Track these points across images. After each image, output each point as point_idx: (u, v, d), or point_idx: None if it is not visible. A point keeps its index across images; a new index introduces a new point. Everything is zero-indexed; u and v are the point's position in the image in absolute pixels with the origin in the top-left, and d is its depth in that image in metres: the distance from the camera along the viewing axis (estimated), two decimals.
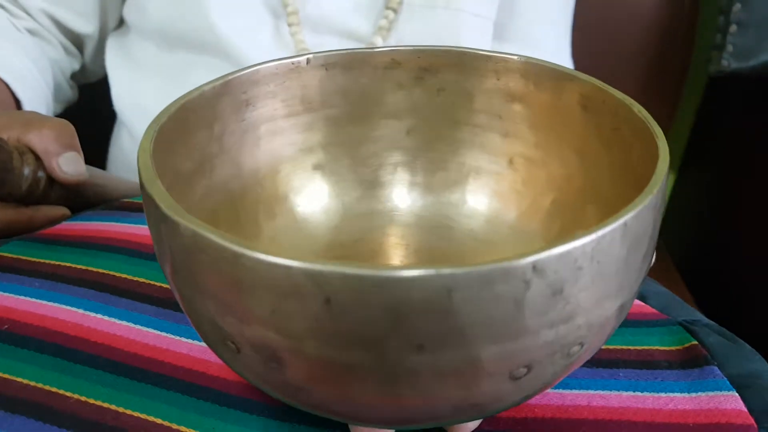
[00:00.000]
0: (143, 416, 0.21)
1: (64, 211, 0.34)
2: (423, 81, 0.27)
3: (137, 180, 0.39)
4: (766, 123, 0.73)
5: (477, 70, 0.27)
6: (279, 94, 0.26)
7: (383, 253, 0.28)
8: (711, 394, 0.23)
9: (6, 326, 0.24)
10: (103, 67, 0.54)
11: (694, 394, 0.23)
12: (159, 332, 0.25)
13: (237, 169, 0.26)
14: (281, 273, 0.14)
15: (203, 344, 0.24)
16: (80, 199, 0.36)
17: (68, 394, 0.22)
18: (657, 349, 0.25)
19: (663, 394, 0.23)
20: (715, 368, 0.24)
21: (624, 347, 0.25)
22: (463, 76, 0.27)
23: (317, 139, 0.28)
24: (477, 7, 0.47)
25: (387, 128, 0.29)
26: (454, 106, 0.28)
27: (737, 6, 0.63)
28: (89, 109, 0.56)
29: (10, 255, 0.29)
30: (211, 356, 0.24)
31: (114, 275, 0.28)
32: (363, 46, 0.45)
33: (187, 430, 0.21)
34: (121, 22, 0.54)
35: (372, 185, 0.29)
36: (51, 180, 0.34)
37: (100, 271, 0.28)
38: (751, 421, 0.22)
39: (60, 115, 0.43)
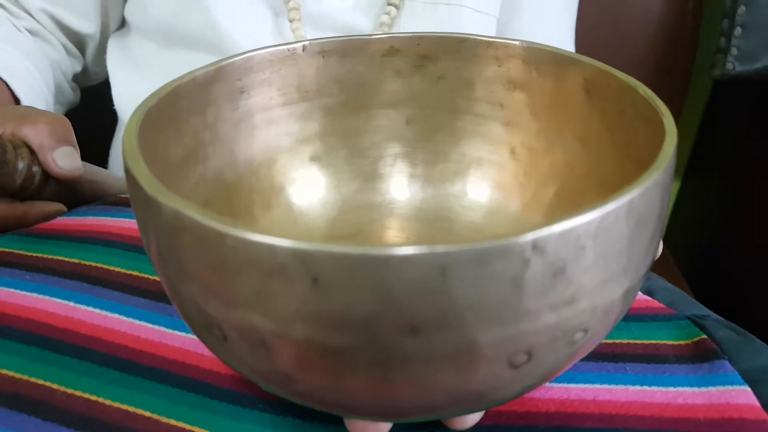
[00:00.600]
0: (132, 409, 0.20)
1: (59, 206, 0.34)
2: (422, 69, 0.27)
3: None
4: None
5: (478, 57, 0.26)
6: (274, 82, 0.26)
7: None
8: (722, 388, 0.22)
9: None
10: (104, 70, 0.54)
11: (704, 389, 0.22)
12: (151, 325, 0.24)
13: (231, 159, 0.25)
14: (266, 253, 0.14)
15: (196, 337, 0.24)
16: (76, 195, 0.35)
17: (55, 386, 0.21)
18: (665, 344, 0.24)
19: (672, 389, 0.22)
20: (726, 362, 0.23)
21: (630, 341, 0.24)
22: (463, 64, 0.26)
23: (314, 129, 0.27)
24: (479, 3, 0.46)
25: (385, 118, 0.28)
26: (454, 94, 0.27)
27: (742, 9, 0.63)
28: (90, 110, 0.56)
29: (2, 249, 0.29)
30: (204, 350, 0.23)
31: (106, 268, 0.27)
32: None
33: (177, 423, 0.20)
34: (122, 23, 0.53)
35: (370, 177, 0.28)
36: (46, 175, 0.33)
37: (92, 264, 0.27)
38: (765, 416, 0.21)
39: None
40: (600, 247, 0.14)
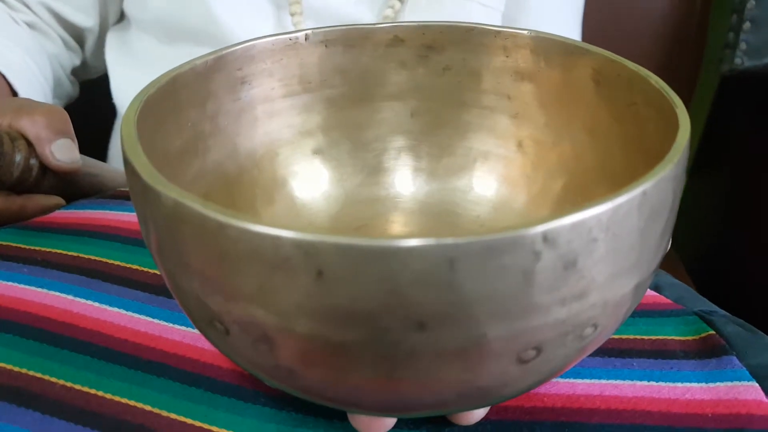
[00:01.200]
0: (132, 402, 0.20)
1: (57, 200, 0.33)
2: (427, 59, 0.26)
3: None
4: None
5: (485, 47, 0.25)
6: (276, 72, 0.25)
7: None
8: (730, 384, 0.21)
9: None
10: (103, 64, 0.53)
11: (711, 384, 0.21)
12: (151, 319, 0.24)
13: (232, 151, 0.25)
14: (269, 244, 0.13)
15: (197, 331, 0.23)
16: (74, 189, 0.35)
17: (54, 380, 0.21)
18: (672, 339, 0.24)
19: (679, 384, 0.21)
20: (734, 358, 0.22)
21: (637, 337, 0.24)
22: (470, 54, 0.26)
23: (316, 122, 0.27)
24: None
25: (390, 110, 0.27)
26: (460, 86, 0.26)
27: (751, 3, 0.62)
28: (89, 104, 0.55)
29: (0, 242, 0.28)
30: (205, 343, 0.23)
31: (105, 262, 0.27)
32: None
33: (178, 417, 0.19)
34: (121, 17, 0.53)
35: (374, 171, 0.28)
36: (44, 168, 0.33)
37: (92, 257, 0.27)
38: None
39: None
40: (612, 240, 0.14)
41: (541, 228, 0.13)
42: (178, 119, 0.22)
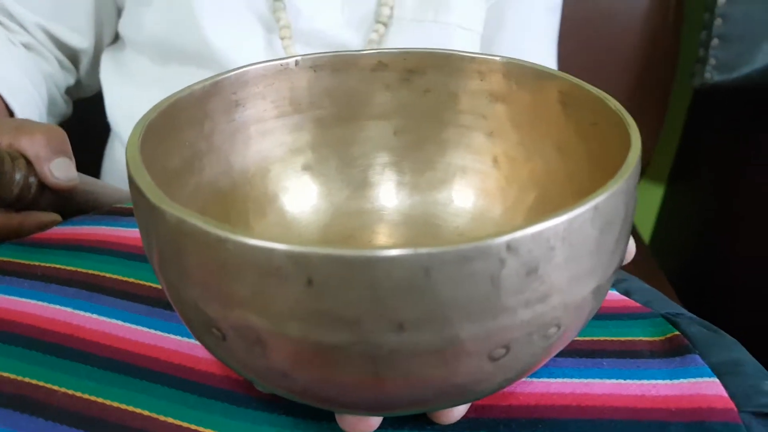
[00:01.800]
0: (130, 408, 0.21)
1: (54, 217, 0.35)
2: (409, 82, 0.28)
3: (128, 189, 0.40)
4: (751, 133, 0.74)
5: (462, 72, 0.27)
6: (268, 95, 0.27)
7: None
8: (692, 380, 0.23)
9: None
10: (97, 82, 0.55)
11: (675, 381, 0.23)
12: (148, 329, 0.25)
13: (227, 168, 0.26)
14: (264, 255, 0.15)
15: (192, 341, 0.25)
16: (71, 206, 0.36)
17: (55, 387, 0.22)
18: (640, 340, 0.26)
19: (645, 381, 0.23)
20: (697, 357, 0.24)
21: (608, 338, 0.26)
22: (448, 78, 0.28)
23: (306, 140, 0.29)
24: (465, 20, 0.48)
25: (374, 129, 0.29)
26: (440, 106, 0.28)
27: (718, 21, 0.65)
28: (82, 122, 0.56)
29: (0, 258, 0.30)
30: (200, 352, 0.24)
31: (104, 276, 0.28)
32: None
33: (174, 421, 0.21)
34: (116, 38, 0.54)
35: (361, 185, 0.30)
36: (42, 186, 0.34)
37: (91, 272, 0.28)
38: (732, 405, 0.22)
39: None
40: (569, 249, 0.16)
41: (505, 238, 0.15)
42: (177, 139, 0.23)
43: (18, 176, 0.33)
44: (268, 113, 0.27)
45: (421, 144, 0.29)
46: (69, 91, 0.55)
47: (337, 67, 0.28)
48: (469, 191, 0.29)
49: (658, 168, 0.90)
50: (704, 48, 0.65)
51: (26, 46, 0.50)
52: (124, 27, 0.51)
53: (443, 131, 0.29)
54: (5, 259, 0.30)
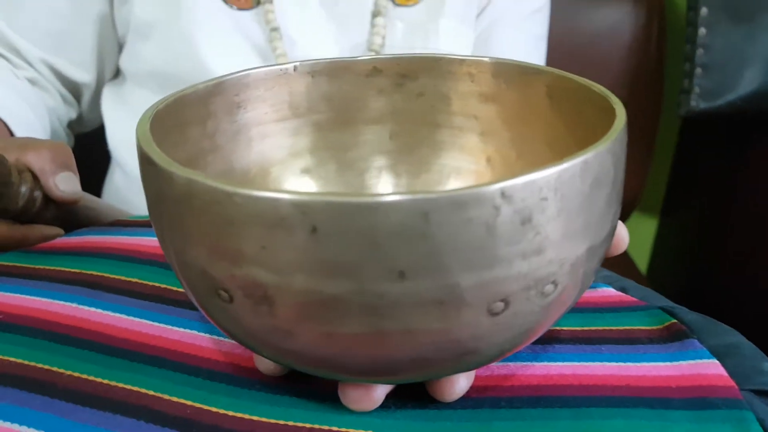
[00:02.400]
0: (136, 389, 0.21)
1: (57, 230, 0.35)
2: (403, 87, 0.29)
3: (130, 212, 0.41)
4: (739, 159, 0.76)
5: (452, 74, 0.29)
6: (268, 99, 0.28)
7: None
8: (692, 362, 0.23)
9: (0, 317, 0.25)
10: (98, 117, 0.56)
11: (675, 363, 0.23)
12: (151, 322, 0.25)
13: (229, 168, 0.27)
14: (270, 206, 0.16)
15: (196, 332, 0.25)
16: (74, 221, 0.37)
17: (60, 370, 0.22)
18: (638, 329, 0.26)
19: (645, 363, 0.23)
20: (695, 341, 0.25)
21: (605, 327, 0.26)
22: (440, 80, 0.29)
23: (305, 144, 0.30)
24: (453, 49, 0.50)
25: (370, 133, 0.30)
26: (433, 109, 0.30)
27: (700, 51, 0.68)
28: (83, 152, 0.58)
29: (5, 263, 0.30)
30: (202, 341, 0.24)
31: (106, 276, 0.29)
32: None
33: (179, 399, 0.21)
34: (117, 73, 0.56)
35: (359, 188, 0.31)
36: (46, 200, 0.35)
37: (94, 273, 0.29)
38: (732, 383, 0.22)
39: None
40: (560, 201, 0.16)
41: (499, 185, 0.15)
42: (181, 135, 0.24)
43: (24, 189, 0.33)
44: (269, 116, 0.28)
45: (416, 147, 0.30)
46: (71, 125, 0.57)
47: (334, 72, 0.29)
48: None
49: (651, 200, 0.92)
50: (688, 78, 0.68)
51: (30, 81, 0.52)
52: (125, 61, 0.53)
53: (437, 133, 0.30)
54: (10, 263, 0.30)
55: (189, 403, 0.21)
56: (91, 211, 0.38)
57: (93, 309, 0.26)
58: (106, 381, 0.22)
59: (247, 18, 0.49)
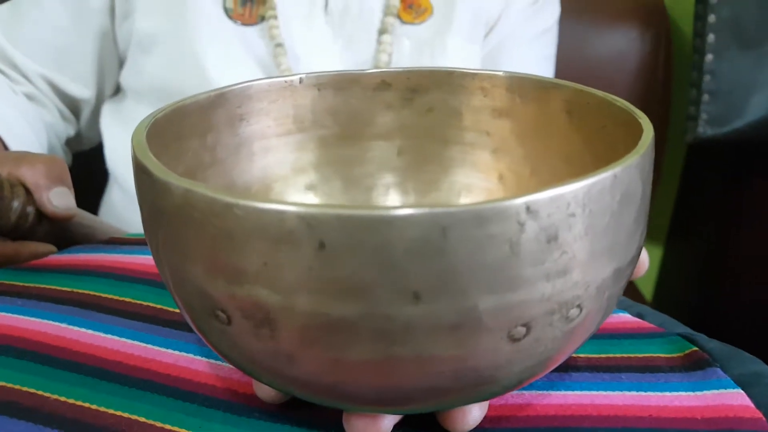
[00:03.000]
0: (126, 415, 0.20)
1: (50, 247, 0.34)
2: (412, 101, 0.28)
3: (127, 230, 0.39)
4: (744, 185, 0.75)
5: (464, 88, 0.28)
6: (272, 112, 0.27)
7: None
8: (716, 392, 0.22)
9: None
10: (96, 135, 0.55)
11: (699, 393, 0.22)
12: (144, 344, 0.24)
13: (229, 183, 0.26)
14: (274, 219, 0.14)
15: (191, 355, 0.23)
16: (67, 239, 0.36)
17: (47, 394, 0.20)
18: (658, 356, 0.24)
19: (668, 393, 0.22)
20: (718, 369, 0.23)
21: (624, 355, 0.25)
22: (451, 95, 0.28)
23: (309, 159, 0.28)
24: (461, 66, 0.50)
25: (378, 149, 0.29)
26: (443, 125, 0.28)
27: (707, 78, 0.68)
28: (80, 169, 0.57)
29: None
30: (198, 365, 0.23)
31: (99, 295, 0.27)
32: None
33: (172, 428, 0.19)
34: (116, 90, 0.56)
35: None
36: (39, 215, 0.33)
37: (87, 292, 0.27)
38: (760, 415, 0.21)
39: None
40: (588, 217, 0.15)
41: (524, 199, 0.14)
42: (180, 147, 0.23)
43: (16, 204, 0.32)
44: (272, 130, 0.27)
45: (425, 163, 0.29)
46: (69, 142, 0.56)
47: (340, 86, 0.28)
48: None
49: (656, 227, 0.91)
50: (695, 105, 0.67)
51: (28, 96, 0.51)
52: (126, 76, 0.52)
53: (447, 150, 0.29)
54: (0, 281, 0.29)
55: (183, 431, 0.19)
56: (86, 228, 0.37)
57: (84, 330, 0.24)
58: (94, 406, 0.20)
59: (252, 33, 0.48)
